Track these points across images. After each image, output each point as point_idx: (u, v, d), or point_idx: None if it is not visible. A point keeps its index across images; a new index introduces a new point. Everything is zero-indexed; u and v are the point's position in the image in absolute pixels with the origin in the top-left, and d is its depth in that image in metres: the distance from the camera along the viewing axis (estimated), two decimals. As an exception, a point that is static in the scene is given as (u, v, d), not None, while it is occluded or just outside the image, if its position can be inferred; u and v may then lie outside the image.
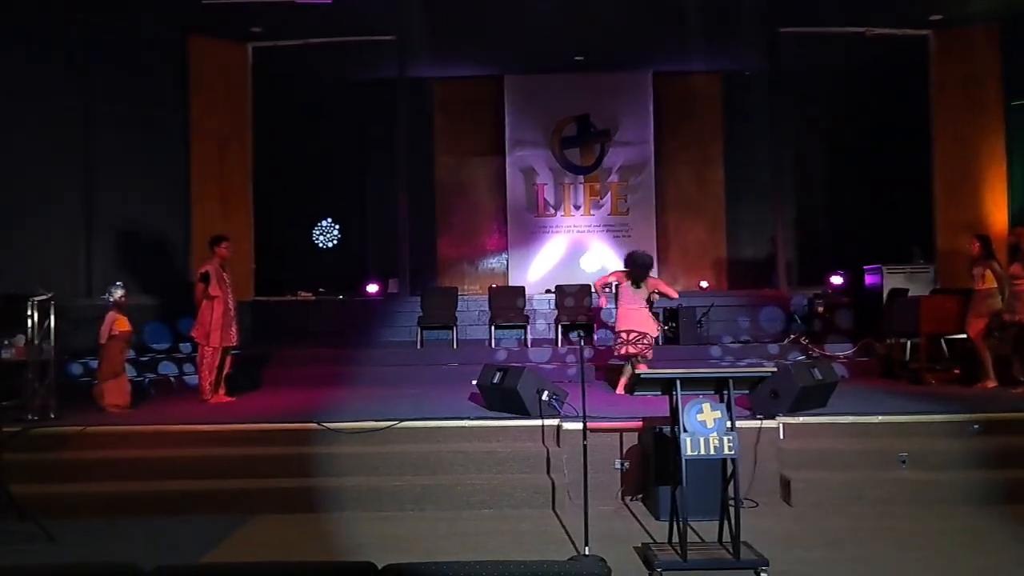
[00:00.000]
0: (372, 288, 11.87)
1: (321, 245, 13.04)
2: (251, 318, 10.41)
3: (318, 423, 6.15)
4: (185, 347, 8.86)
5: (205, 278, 7.41)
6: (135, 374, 8.06)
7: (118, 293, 7.34)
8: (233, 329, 7.59)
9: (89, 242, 9.52)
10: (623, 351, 7.49)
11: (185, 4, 9.54)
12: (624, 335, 7.45)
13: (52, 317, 6.96)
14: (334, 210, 13.11)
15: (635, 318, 7.49)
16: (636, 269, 7.55)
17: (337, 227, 13.06)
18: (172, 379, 8.70)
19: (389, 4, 9.62)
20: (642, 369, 7.17)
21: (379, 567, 2.32)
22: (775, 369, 5.49)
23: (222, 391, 7.62)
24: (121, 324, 7.31)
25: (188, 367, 8.64)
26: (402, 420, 6.17)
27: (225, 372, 7.68)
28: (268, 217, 11.47)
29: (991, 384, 7.50)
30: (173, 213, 10.28)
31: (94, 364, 7.59)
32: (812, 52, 11.83)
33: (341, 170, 13.16)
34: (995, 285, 7.47)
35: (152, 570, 2.36)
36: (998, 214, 10.34)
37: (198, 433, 6.25)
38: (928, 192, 10.92)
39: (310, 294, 11.69)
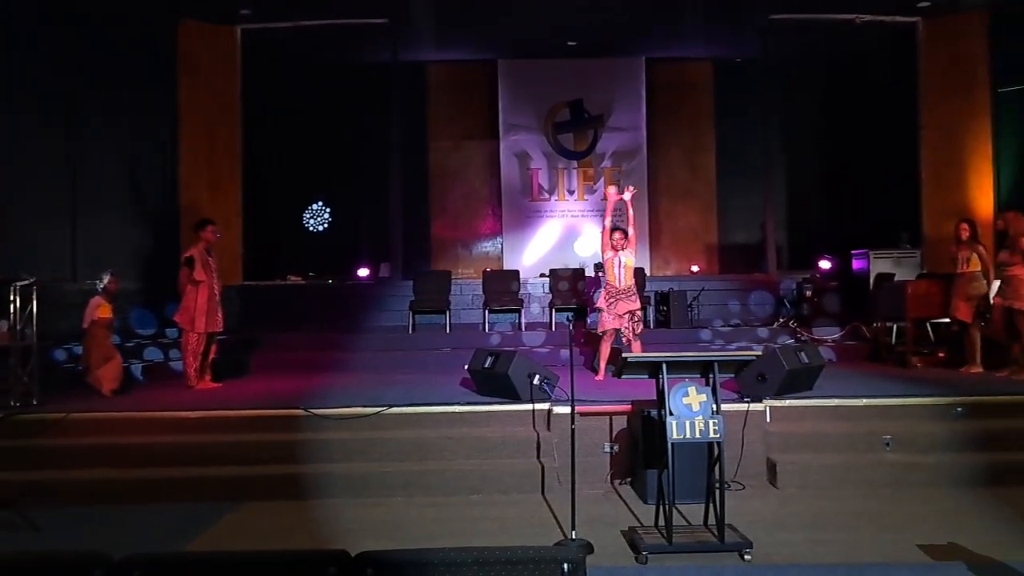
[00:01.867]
0: (363, 272, 11.85)
1: (312, 229, 12.98)
2: (239, 303, 10.37)
3: (305, 409, 6.14)
4: (171, 332, 8.83)
5: (189, 263, 7.37)
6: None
7: (106, 279, 7.32)
8: (219, 315, 7.55)
9: (74, 226, 9.43)
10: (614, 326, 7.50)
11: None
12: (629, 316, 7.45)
13: (35, 302, 6.90)
14: (325, 193, 13.05)
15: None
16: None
17: (328, 210, 13.00)
18: (166, 363, 8.67)
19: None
20: (636, 350, 7.22)
21: (353, 554, 2.32)
22: (759, 353, 5.53)
23: (208, 377, 7.60)
24: (103, 311, 7.27)
25: (174, 353, 8.60)
26: (391, 406, 6.17)
27: (211, 358, 7.66)
28: (258, 201, 11.41)
29: (976, 369, 7.56)
30: (160, 197, 10.22)
31: (78, 350, 7.55)
32: (803, 39, 11.82)
33: (333, 153, 13.07)
34: (979, 268, 7.51)
35: (121, 559, 2.35)
36: (983, 199, 10.40)
37: (183, 420, 6.22)
38: (916, 178, 10.96)
39: (300, 278, 11.64)
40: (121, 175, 9.76)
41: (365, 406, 6.19)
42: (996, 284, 7.39)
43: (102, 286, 7.31)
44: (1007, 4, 10.05)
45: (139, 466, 5.80)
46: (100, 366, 7.13)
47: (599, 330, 7.60)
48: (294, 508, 5.34)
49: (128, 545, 2.51)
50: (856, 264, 10.70)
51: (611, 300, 7.46)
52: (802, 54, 12.50)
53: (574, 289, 10.57)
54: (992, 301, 7.39)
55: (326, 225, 12.99)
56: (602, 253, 7.62)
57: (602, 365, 7.54)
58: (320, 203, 12.96)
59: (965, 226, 7.76)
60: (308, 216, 12.94)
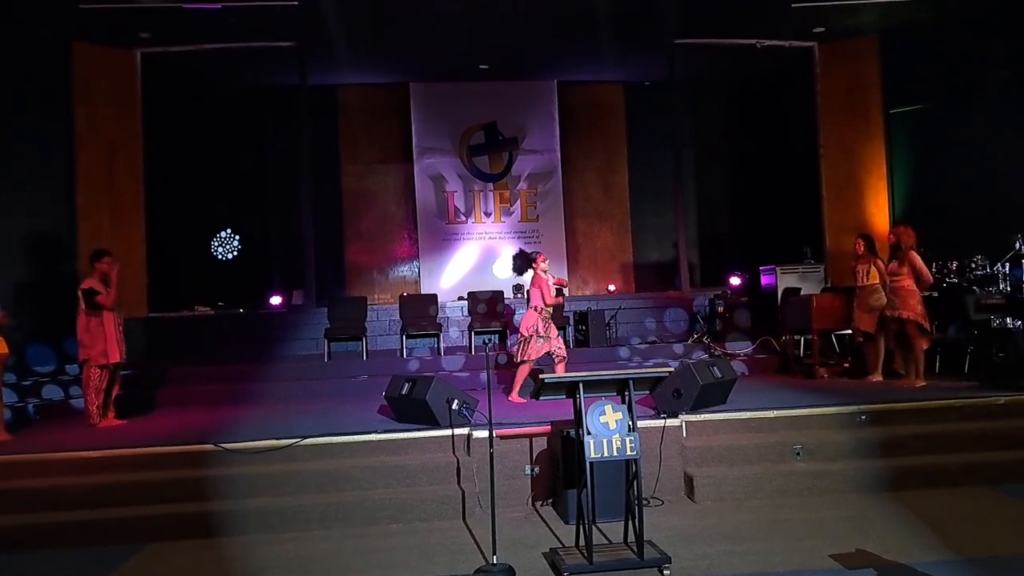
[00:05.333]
0: (275, 300, 11.52)
1: (220, 257, 12.58)
2: (144, 335, 9.95)
3: (215, 444, 5.91)
4: (72, 369, 8.39)
5: (88, 295, 7.04)
6: (15, 399, 7.57)
7: (-2, 313, 6.93)
8: (121, 347, 7.22)
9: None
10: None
11: (66, 10, 9.06)
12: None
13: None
14: (234, 220, 12.69)
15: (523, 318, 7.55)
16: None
17: (237, 238, 12.63)
18: (67, 401, 8.22)
19: (287, 10, 9.37)
20: (560, 370, 7.22)
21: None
22: (672, 369, 5.61)
23: (111, 414, 7.25)
24: (1, 346, 6.87)
25: (75, 390, 8.17)
26: (306, 437, 6.00)
27: (114, 394, 7.30)
28: (163, 229, 11.00)
29: (877, 377, 7.87)
30: (58, 227, 9.71)
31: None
32: (707, 63, 12.22)
33: (241, 179, 12.76)
34: (878, 281, 7.85)
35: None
36: (880, 215, 10.94)
37: (85, 460, 5.91)
38: (817, 195, 11.44)
39: (208, 308, 11.23)
40: (14, 204, 9.24)
41: (278, 438, 5.99)
42: (892, 295, 7.70)
43: (-6, 321, 6.90)
44: (895, 30, 10.64)
45: (38, 510, 5.48)
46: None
47: (532, 356, 7.41)
48: (204, 547, 5.12)
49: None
50: (764, 279, 11.05)
51: (547, 324, 7.46)
52: (708, 77, 12.94)
53: (493, 312, 10.55)
54: (884, 313, 7.71)
55: (235, 253, 12.62)
56: (548, 294, 7.51)
57: (519, 384, 7.51)
58: (229, 230, 12.59)
59: (860, 241, 8.10)
60: (216, 244, 12.54)
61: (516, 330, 10.65)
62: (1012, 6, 9.61)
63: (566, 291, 7.57)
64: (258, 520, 5.40)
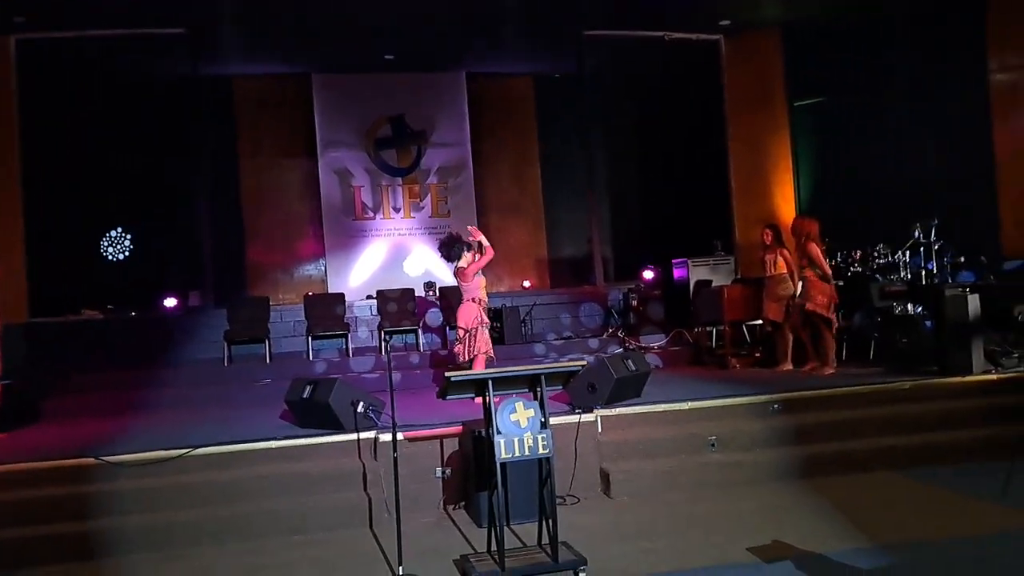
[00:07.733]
0: (170, 302, 10.85)
1: (111, 257, 11.80)
2: (26, 342, 9.18)
3: (96, 457, 5.42)
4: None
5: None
6: None
7: None
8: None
9: None
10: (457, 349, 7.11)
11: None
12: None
13: None
14: (125, 219, 11.91)
15: (460, 312, 7.11)
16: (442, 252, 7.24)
17: (129, 237, 11.87)
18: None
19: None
20: (479, 365, 6.90)
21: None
22: (584, 363, 5.45)
23: (-7, 428, 6.64)
24: None
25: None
26: (197, 447, 5.58)
27: (-3, 407, 6.70)
28: (46, 229, 10.23)
29: (787, 366, 7.95)
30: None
31: None
32: (617, 55, 12.22)
33: (132, 175, 11.91)
34: (786, 271, 7.92)
35: None
36: (786, 206, 11.16)
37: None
38: (726, 187, 11.58)
39: (97, 312, 10.51)
40: None
41: (168, 449, 5.55)
42: (800, 285, 7.79)
43: None
44: (797, 24, 10.84)
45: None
46: None
47: (484, 348, 6.96)
48: (86, 569, 4.73)
49: None
50: (676, 272, 11.09)
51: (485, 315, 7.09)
52: (618, 70, 12.93)
53: (404, 310, 10.23)
54: (795, 302, 7.79)
55: (127, 253, 11.87)
56: (474, 274, 7.08)
57: None
58: (119, 229, 11.82)
59: (768, 231, 8.16)
60: (106, 244, 11.76)
61: (429, 329, 10.45)
62: (906, 4, 9.91)
63: (484, 241, 7.20)
64: (146, 538, 5.03)
